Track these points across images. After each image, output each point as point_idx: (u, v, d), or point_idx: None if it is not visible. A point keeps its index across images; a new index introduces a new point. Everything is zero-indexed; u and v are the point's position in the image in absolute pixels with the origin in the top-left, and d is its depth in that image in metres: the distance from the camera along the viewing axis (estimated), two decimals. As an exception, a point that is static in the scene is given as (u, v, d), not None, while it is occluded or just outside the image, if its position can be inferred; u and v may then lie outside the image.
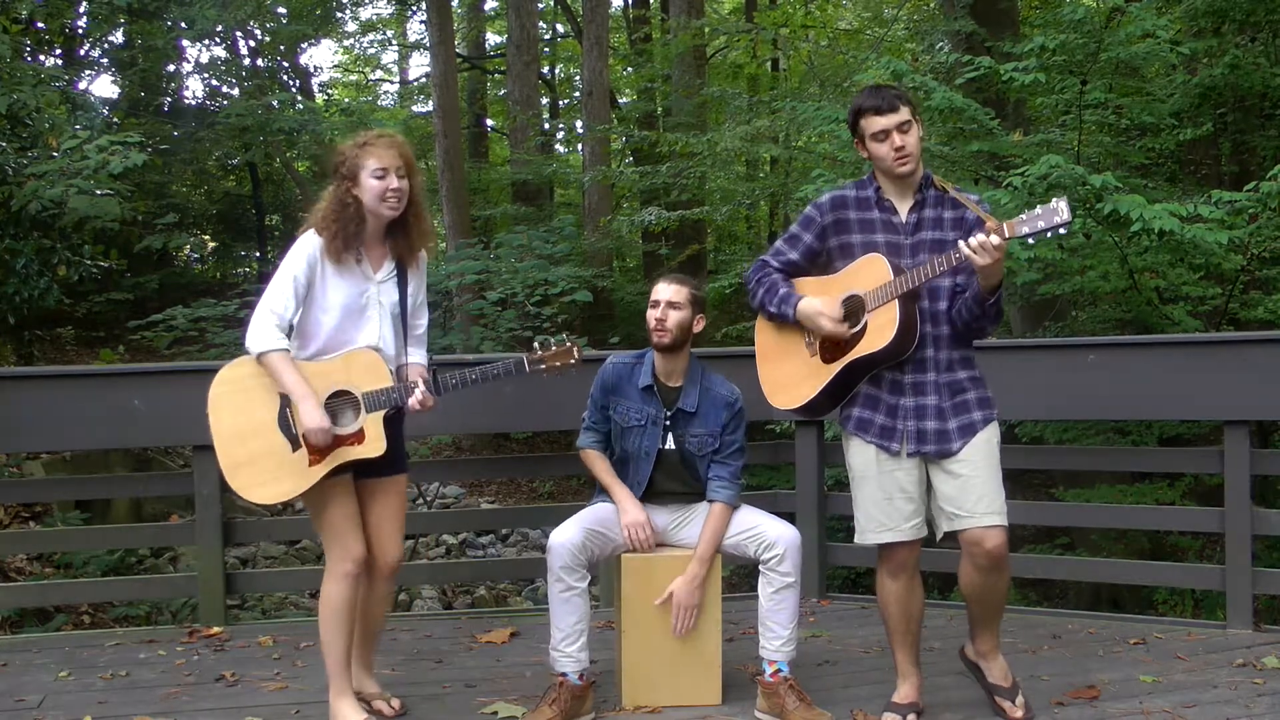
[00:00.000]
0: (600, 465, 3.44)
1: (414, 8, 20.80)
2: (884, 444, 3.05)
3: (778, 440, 5.57)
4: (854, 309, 3.02)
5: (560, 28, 21.73)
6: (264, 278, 3.09)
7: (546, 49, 20.95)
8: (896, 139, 2.94)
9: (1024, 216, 2.79)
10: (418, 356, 3.24)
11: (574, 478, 10.06)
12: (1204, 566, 5.96)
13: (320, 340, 3.05)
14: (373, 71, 25.12)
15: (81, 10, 15.06)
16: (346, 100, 23.32)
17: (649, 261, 15.33)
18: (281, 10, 18.40)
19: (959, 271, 2.95)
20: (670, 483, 3.41)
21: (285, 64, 20.00)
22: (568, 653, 3.20)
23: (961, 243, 2.82)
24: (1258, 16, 7.92)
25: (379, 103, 23.76)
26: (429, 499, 10.94)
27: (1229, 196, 5.50)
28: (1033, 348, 4.86)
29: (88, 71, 16.76)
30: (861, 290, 3.00)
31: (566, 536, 3.20)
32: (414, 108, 21.30)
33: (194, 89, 18.94)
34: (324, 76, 24.30)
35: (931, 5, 14.27)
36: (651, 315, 3.34)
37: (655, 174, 12.31)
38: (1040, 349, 4.71)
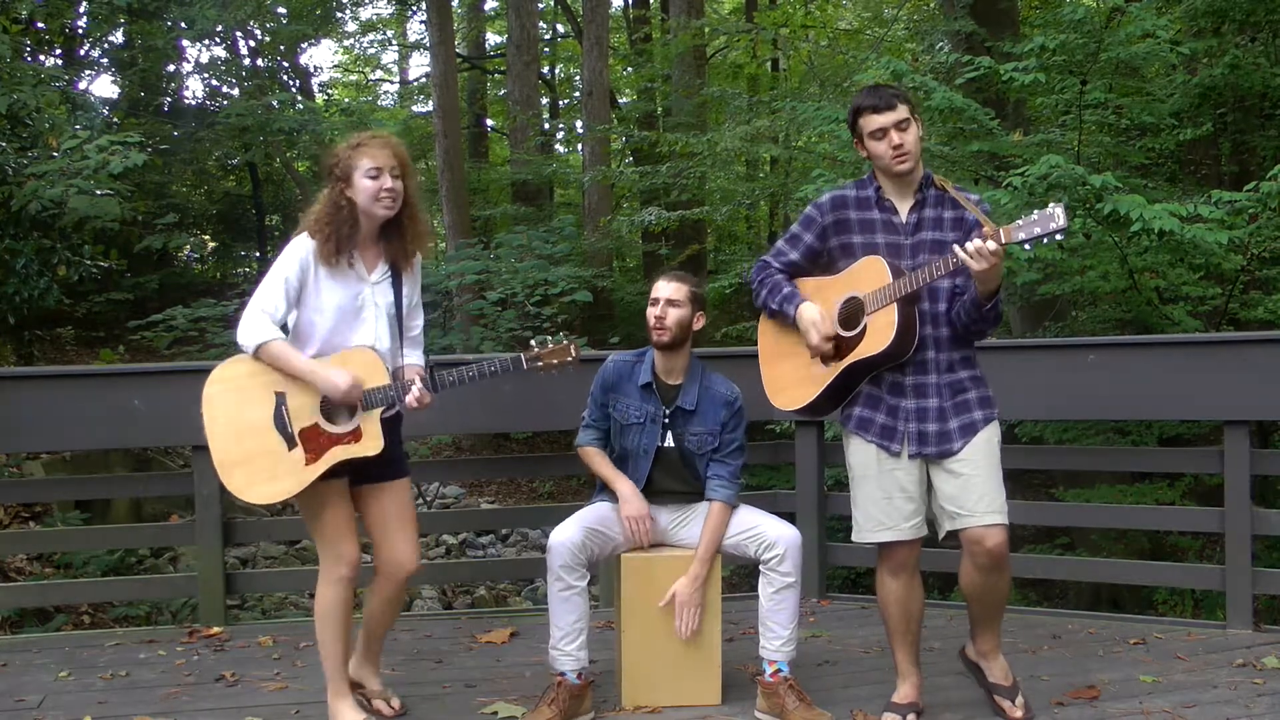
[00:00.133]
0: (600, 460, 3.43)
1: (414, 8, 20.81)
2: (884, 444, 3.05)
3: (778, 440, 5.57)
4: (853, 311, 3.02)
5: (560, 28, 21.73)
6: (263, 278, 3.07)
7: (546, 49, 20.95)
8: (894, 137, 2.94)
9: (1020, 222, 2.79)
10: (414, 358, 3.22)
11: (574, 478, 10.06)
12: (1204, 566, 5.96)
13: (316, 343, 3.04)
14: (373, 71, 25.16)
15: (81, 10, 15.07)
16: (346, 100, 23.33)
17: (649, 261, 15.33)
18: (281, 10, 18.40)
19: (958, 271, 2.95)
20: (670, 481, 3.41)
21: (285, 64, 20.02)
22: (567, 651, 3.20)
23: (957, 247, 2.83)
24: (1258, 16, 7.91)
25: (379, 103, 23.78)
26: (429, 499, 10.95)
27: (1229, 196, 5.50)
28: (1033, 348, 4.86)
29: (88, 71, 16.77)
30: (861, 292, 3.00)
31: (566, 535, 3.20)
32: (414, 108, 21.30)
33: (194, 89, 18.98)
34: (324, 76, 24.36)
35: (931, 5, 14.27)
36: (651, 313, 3.34)
37: (655, 174, 12.31)
38: (1040, 349, 4.71)
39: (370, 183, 2.99)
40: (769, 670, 3.24)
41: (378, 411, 3.01)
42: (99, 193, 8.62)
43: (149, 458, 8.78)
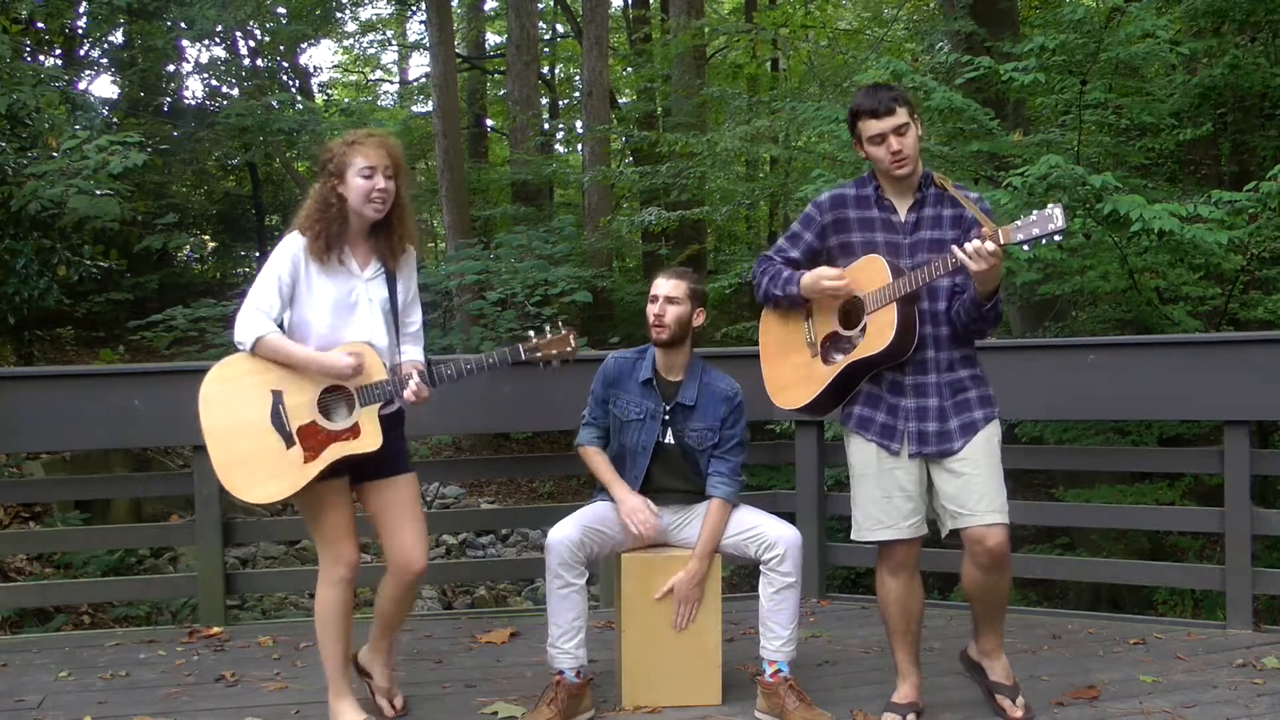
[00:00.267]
0: (599, 461, 3.43)
1: (414, 8, 20.81)
2: (884, 443, 3.05)
3: (778, 440, 5.57)
4: (853, 310, 3.02)
5: (560, 28, 21.73)
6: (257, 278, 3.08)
7: (546, 49, 20.95)
8: (893, 143, 2.94)
9: (1019, 223, 2.79)
10: (413, 353, 3.19)
11: (574, 478, 10.06)
12: (1204, 566, 5.96)
13: (312, 339, 3.03)
14: (373, 71, 25.15)
15: (81, 10, 15.07)
16: (346, 100, 23.33)
17: (649, 261, 15.33)
18: (281, 10, 18.40)
19: (958, 272, 2.95)
20: (670, 479, 3.41)
21: (285, 64, 20.02)
22: (565, 649, 3.20)
23: (955, 248, 2.83)
24: (1258, 16, 7.92)
25: (379, 103, 23.77)
26: (429, 499, 10.95)
27: (1229, 196, 5.50)
28: (1033, 348, 4.86)
29: (88, 71, 16.77)
30: (861, 292, 3.00)
31: (564, 534, 3.20)
32: (414, 108, 21.30)
33: (194, 89, 18.97)
34: (324, 76, 24.36)
35: (931, 5, 14.27)
36: (650, 311, 3.35)
37: (655, 174, 12.31)
38: (1040, 349, 4.71)
39: (363, 182, 2.99)
40: (769, 670, 3.24)
41: (375, 407, 3.00)
42: (99, 193, 8.62)
43: (149, 458, 8.78)
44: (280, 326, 3.00)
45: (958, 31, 9.32)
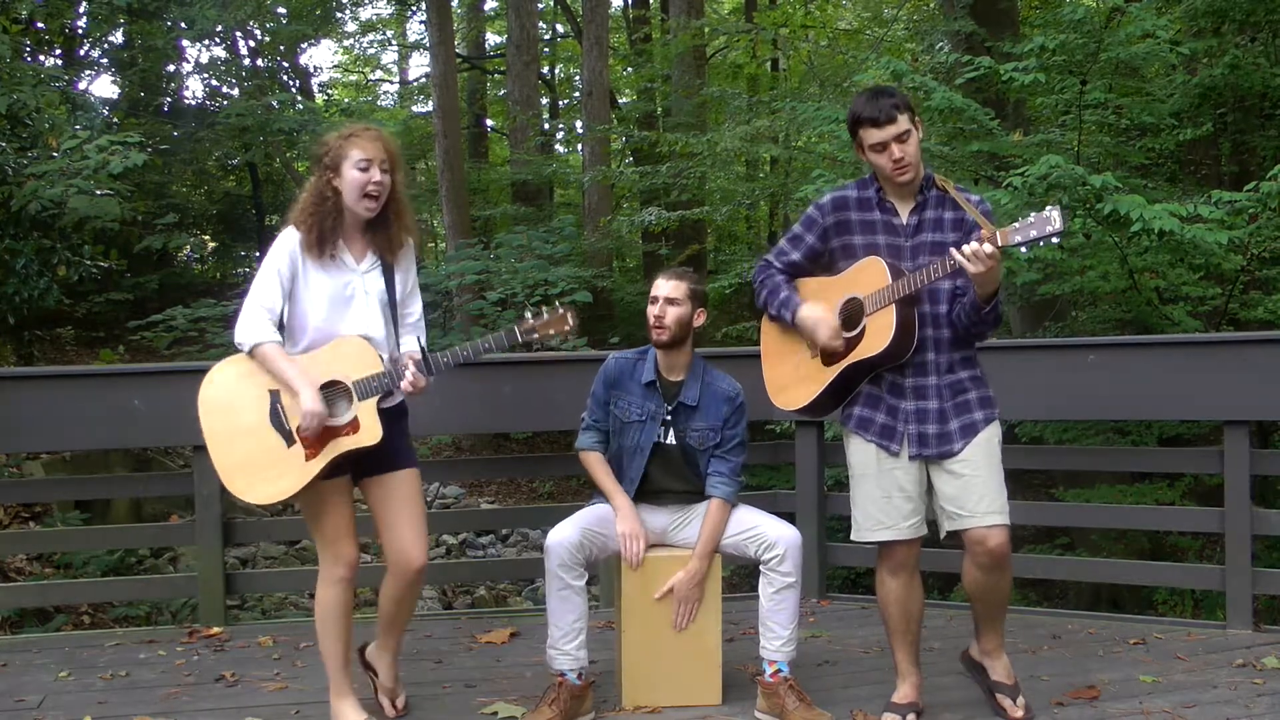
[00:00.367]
0: (600, 469, 3.42)
1: (414, 8, 20.81)
2: (884, 444, 3.05)
3: (778, 440, 5.57)
4: (853, 312, 3.02)
5: (560, 28, 21.73)
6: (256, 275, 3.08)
7: (546, 49, 20.95)
8: (895, 151, 2.94)
9: (1016, 225, 2.79)
10: (412, 343, 3.15)
11: (574, 478, 10.05)
12: (1204, 566, 5.96)
13: (309, 334, 3.03)
14: (373, 71, 25.15)
15: (81, 10, 15.07)
16: (346, 100, 23.34)
17: (649, 261, 15.33)
18: (281, 10, 18.41)
19: (959, 274, 2.95)
20: (669, 479, 3.40)
21: (285, 64, 20.02)
22: (566, 651, 3.20)
23: (954, 250, 2.83)
24: (1258, 16, 7.92)
25: (379, 103, 23.77)
26: (429, 499, 10.95)
27: (1229, 196, 5.50)
28: (1033, 348, 4.86)
29: (88, 71, 16.77)
30: (860, 293, 3.00)
31: (563, 535, 3.20)
32: (414, 108, 21.30)
33: (194, 89, 18.97)
34: (324, 76, 24.36)
35: (931, 5, 14.27)
36: (650, 312, 3.34)
37: (655, 174, 12.31)
38: (1040, 349, 4.71)
39: (358, 174, 2.98)
40: (769, 670, 3.24)
41: (374, 400, 2.98)
42: (99, 193, 8.63)
43: (149, 458, 8.78)
44: (281, 320, 3.00)
45: (958, 31, 9.32)
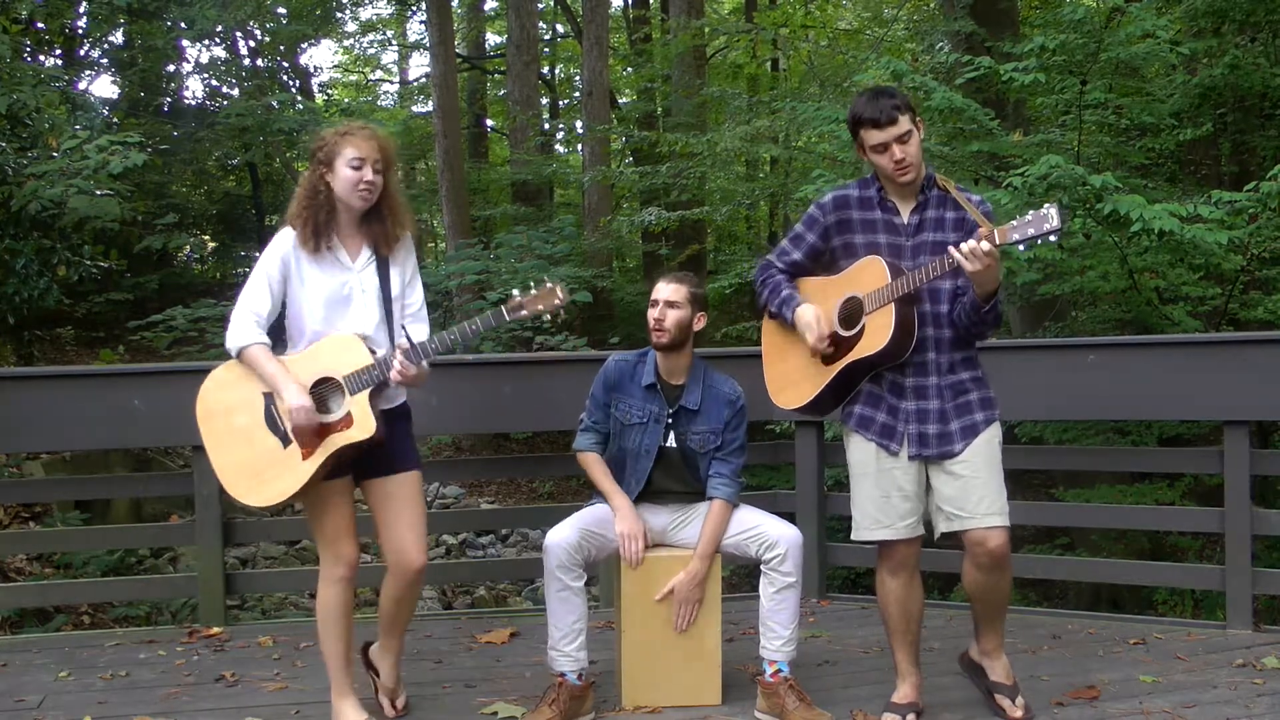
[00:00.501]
0: (598, 470, 3.42)
1: (414, 8, 20.81)
2: (884, 443, 3.05)
3: (778, 440, 5.57)
4: (853, 311, 3.03)
5: (560, 28, 21.73)
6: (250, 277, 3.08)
7: (546, 49, 20.95)
8: (896, 151, 2.94)
9: (1014, 223, 2.80)
10: (418, 333, 3.13)
11: (574, 478, 10.05)
12: (1204, 566, 5.96)
13: (308, 335, 3.04)
14: (373, 71, 25.15)
15: (81, 10, 15.07)
16: (346, 100, 23.33)
17: (649, 262, 15.33)
18: (281, 10, 18.40)
19: (959, 274, 2.95)
20: (670, 481, 3.40)
21: (285, 64, 20.02)
22: (566, 652, 3.20)
23: (952, 248, 2.83)
24: (1258, 16, 7.92)
25: (379, 103, 23.77)
26: (429, 499, 10.94)
27: (1229, 196, 5.50)
28: (1033, 348, 4.86)
29: (88, 71, 16.77)
30: (860, 292, 3.01)
31: (562, 536, 3.20)
32: (414, 108, 21.29)
33: (194, 89, 18.97)
34: (324, 76, 24.35)
35: (931, 5, 14.27)
36: (650, 315, 3.34)
37: (655, 174, 12.31)
38: (1040, 349, 4.71)
39: (352, 172, 2.99)
40: (769, 670, 3.24)
41: (365, 394, 2.96)
42: (99, 193, 8.63)
43: (149, 458, 8.78)
44: (282, 324, 3.01)
45: (958, 31, 9.32)
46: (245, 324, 3.00)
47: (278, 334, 3.13)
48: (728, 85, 16.10)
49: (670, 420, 3.37)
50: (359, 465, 3.08)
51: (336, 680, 3.14)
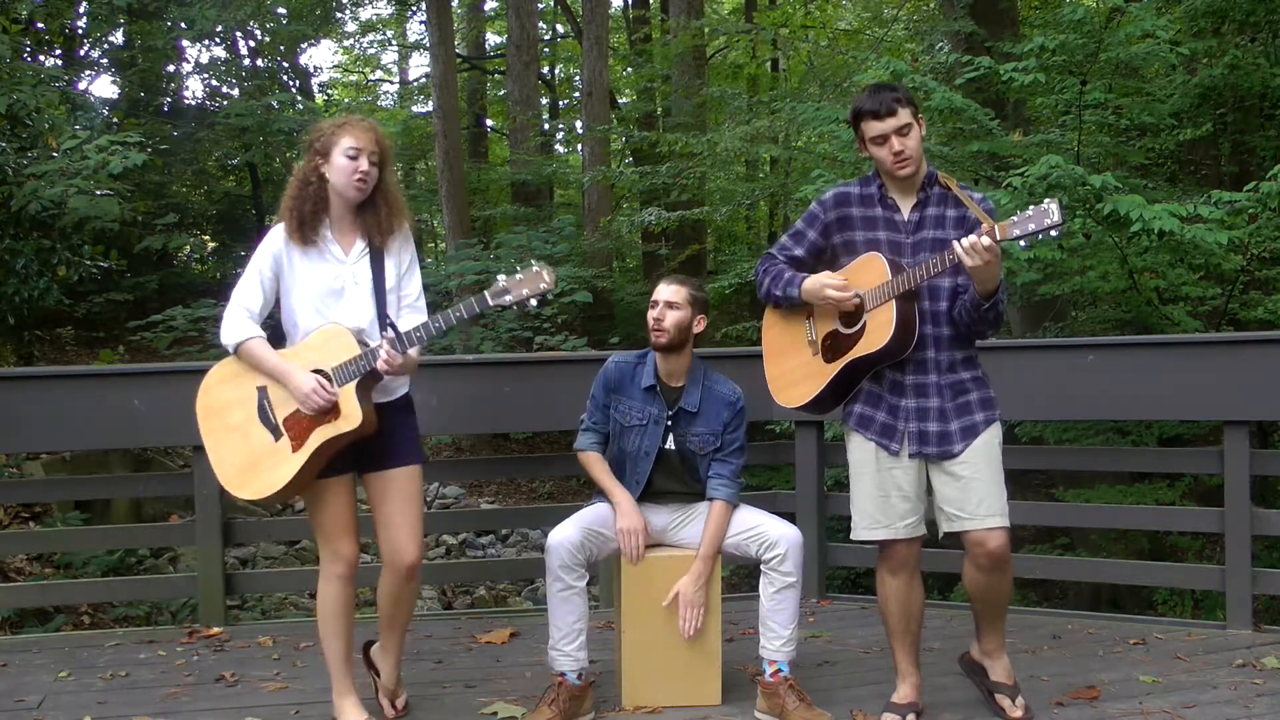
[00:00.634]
0: (599, 467, 3.42)
1: (414, 8, 20.82)
2: (884, 442, 3.05)
3: (777, 440, 5.57)
4: (854, 309, 3.02)
5: (560, 28, 21.73)
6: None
7: (546, 49, 20.95)
8: (895, 144, 2.94)
9: (1015, 219, 2.80)
10: (408, 324, 3.09)
11: (574, 478, 10.06)
12: (1204, 567, 5.96)
13: (301, 329, 3.04)
14: (373, 71, 25.15)
15: (81, 10, 15.06)
16: (346, 100, 23.33)
17: (649, 262, 15.33)
18: (281, 10, 18.39)
19: (960, 271, 2.95)
20: (669, 482, 3.40)
21: (285, 64, 20.01)
22: (566, 651, 3.20)
23: (955, 243, 2.83)
24: (1258, 16, 7.93)
25: (379, 103, 23.77)
26: (429, 499, 10.94)
27: (1229, 197, 5.50)
28: (1033, 348, 4.86)
29: (88, 71, 16.75)
30: (861, 289, 3.00)
31: (564, 535, 3.20)
32: (414, 108, 21.30)
33: (194, 89, 18.95)
34: (324, 77, 24.32)
35: (931, 5, 14.27)
36: (650, 315, 3.34)
37: (655, 174, 12.31)
38: (1040, 349, 4.71)
39: (347, 162, 2.98)
40: (769, 670, 3.24)
41: (352, 385, 2.94)
42: (99, 193, 8.63)
43: (149, 458, 8.77)
44: (277, 320, 3.01)
45: (958, 31, 9.33)
46: (239, 319, 3.01)
47: (278, 334, 3.14)
48: (728, 85, 16.10)
49: (670, 422, 3.37)
50: (360, 458, 3.08)
51: (337, 678, 3.14)
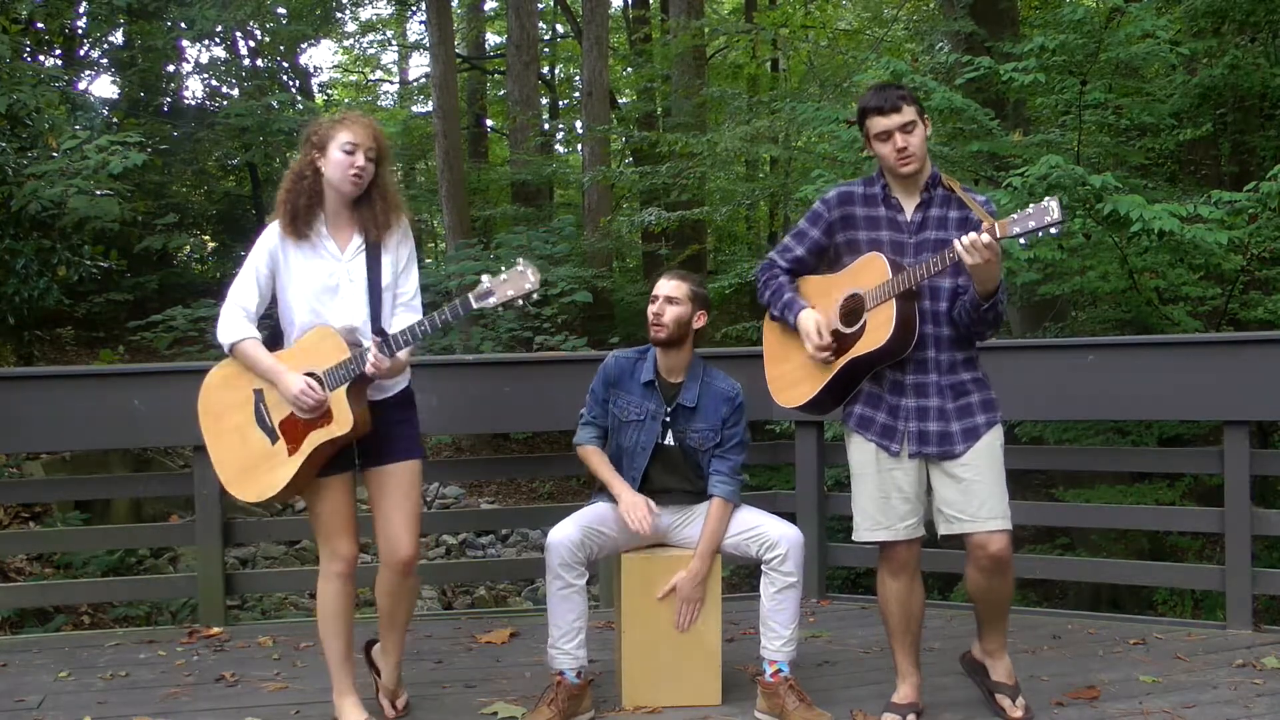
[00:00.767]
0: (598, 460, 3.42)
1: (414, 8, 20.82)
2: (884, 443, 3.05)
3: (777, 440, 5.57)
4: (854, 308, 3.03)
5: (560, 28, 21.74)
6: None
7: (546, 49, 20.95)
8: (899, 140, 2.95)
9: (1015, 216, 2.80)
10: (408, 322, 3.06)
11: (574, 478, 10.06)
12: (1204, 567, 5.96)
13: (297, 327, 3.04)
14: (373, 71, 25.15)
15: (81, 10, 15.06)
16: (346, 100, 23.33)
17: (649, 262, 15.33)
18: (281, 10, 18.39)
19: (961, 272, 2.95)
20: (670, 479, 3.40)
21: (285, 64, 20.00)
22: (565, 650, 3.20)
23: (955, 241, 2.83)
24: (1258, 16, 7.93)
25: (379, 103, 23.77)
26: (429, 499, 10.94)
27: (1229, 197, 5.50)
28: (1033, 348, 4.86)
29: (88, 71, 16.75)
30: (862, 289, 3.01)
31: (565, 534, 3.20)
32: (414, 108, 21.30)
33: (194, 89, 18.95)
34: (324, 77, 24.33)
35: (931, 5, 14.27)
36: (650, 310, 3.35)
37: (655, 174, 12.31)
38: (1040, 349, 4.71)
39: (343, 156, 2.98)
40: (769, 670, 3.24)
41: (343, 389, 2.93)
42: (99, 193, 8.63)
43: (149, 458, 8.77)
44: (274, 320, 3.02)
45: (958, 31, 9.33)
46: (234, 319, 3.03)
47: (278, 330, 3.14)
48: (728, 85, 16.11)
49: (668, 418, 3.37)
50: (360, 454, 3.08)
51: (337, 678, 3.15)
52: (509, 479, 12.16)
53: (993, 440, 3.03)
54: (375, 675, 3.35)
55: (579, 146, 17.97)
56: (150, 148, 12.02)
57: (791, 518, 3.77)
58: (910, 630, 3.18)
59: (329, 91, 23.95)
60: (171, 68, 17.65)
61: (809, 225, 3.17)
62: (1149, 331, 6.62)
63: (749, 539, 3.28)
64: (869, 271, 3.00)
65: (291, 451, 2.96)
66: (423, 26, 19.72)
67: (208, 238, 18.31)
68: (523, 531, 10.48)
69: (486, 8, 21.21)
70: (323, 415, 2.94)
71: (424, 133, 17.85)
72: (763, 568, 3.26)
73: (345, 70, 24.84)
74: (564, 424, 4.10)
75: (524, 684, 3.54)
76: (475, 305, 2.94)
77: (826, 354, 3.03)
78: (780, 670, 3.23)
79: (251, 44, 19.10)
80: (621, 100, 19.67)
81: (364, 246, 3.07)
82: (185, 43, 17.55)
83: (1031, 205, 2.79)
